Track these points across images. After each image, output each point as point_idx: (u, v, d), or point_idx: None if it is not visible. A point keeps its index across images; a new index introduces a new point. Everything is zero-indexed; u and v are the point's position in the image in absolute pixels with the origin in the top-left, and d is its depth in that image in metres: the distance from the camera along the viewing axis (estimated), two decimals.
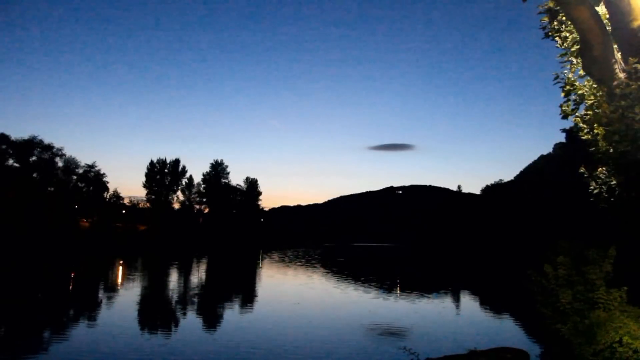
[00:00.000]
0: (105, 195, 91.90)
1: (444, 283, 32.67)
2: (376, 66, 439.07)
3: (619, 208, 9.31)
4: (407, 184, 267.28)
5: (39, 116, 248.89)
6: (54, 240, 62.66)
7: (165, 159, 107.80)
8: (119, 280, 28.62)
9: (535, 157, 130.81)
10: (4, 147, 74.72)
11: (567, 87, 9.09)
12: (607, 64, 7.43)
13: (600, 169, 9.92)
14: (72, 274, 31.45)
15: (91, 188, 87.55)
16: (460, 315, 18.75)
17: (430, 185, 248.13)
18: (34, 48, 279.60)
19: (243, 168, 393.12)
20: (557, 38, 9.44)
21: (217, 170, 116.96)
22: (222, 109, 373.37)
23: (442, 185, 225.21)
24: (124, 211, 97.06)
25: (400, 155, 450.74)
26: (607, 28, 7.89)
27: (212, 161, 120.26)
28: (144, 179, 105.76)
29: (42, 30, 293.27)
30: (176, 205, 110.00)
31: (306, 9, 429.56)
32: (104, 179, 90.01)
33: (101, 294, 22.57)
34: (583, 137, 9.32)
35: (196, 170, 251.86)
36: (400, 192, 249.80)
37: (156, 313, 17.97)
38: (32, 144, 77.14)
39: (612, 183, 9.56)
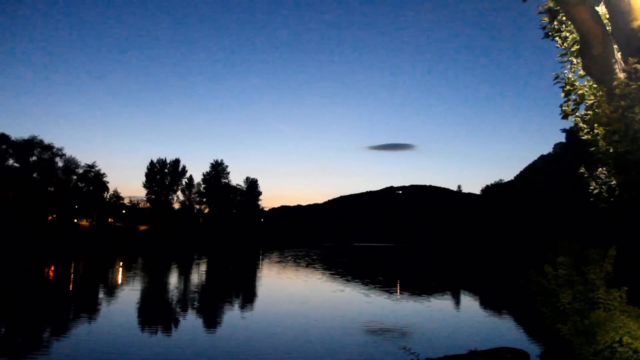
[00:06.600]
0: (105, 195, 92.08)
1: (444, 283, 32.66)
2: (376, 66, 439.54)
3: (618, 208, 9.31)
4: (407, 184, 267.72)
5: (39, 116, 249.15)
6: (54, 240, 62.67)
7: (165, 159, 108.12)
8: (119, 280, 28.61)
9: (535, 157, 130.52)
10: (4, 147, 74.80)
11: (567, 87, 9.08)
12: (607, 64, 7.42)
13: (600, 169, 9.91)
14: (72, 274, 31.45)
15: (91, 188, 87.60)
16: (460, 315, 18.74)
17: (430, 185, 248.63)
18: (34, 48, 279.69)
19: (243, 168, 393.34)
20: (557, 38, 9.44)
21: (217, 170, 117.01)
22: (222, 109, 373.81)
23: (442, 185, 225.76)
24: (124, 211, 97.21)
25: (400, 155, 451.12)
26: (607, 28, 7.89)
27: (212, 161, 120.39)
28: (144, 179, 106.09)
29: (42, 30, 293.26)
30: (176, 205, 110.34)
31: (306, 9, 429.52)
32: (104, 179, 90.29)
33: (101, 294, 22.56)
34: (583, 137, 9.32)
35: (196, 170, 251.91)
36: (400, 192, 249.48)
37: (157, 313, 17.96)
38: (32, 144, 77.22)
39: (612, 183, 9.55)
